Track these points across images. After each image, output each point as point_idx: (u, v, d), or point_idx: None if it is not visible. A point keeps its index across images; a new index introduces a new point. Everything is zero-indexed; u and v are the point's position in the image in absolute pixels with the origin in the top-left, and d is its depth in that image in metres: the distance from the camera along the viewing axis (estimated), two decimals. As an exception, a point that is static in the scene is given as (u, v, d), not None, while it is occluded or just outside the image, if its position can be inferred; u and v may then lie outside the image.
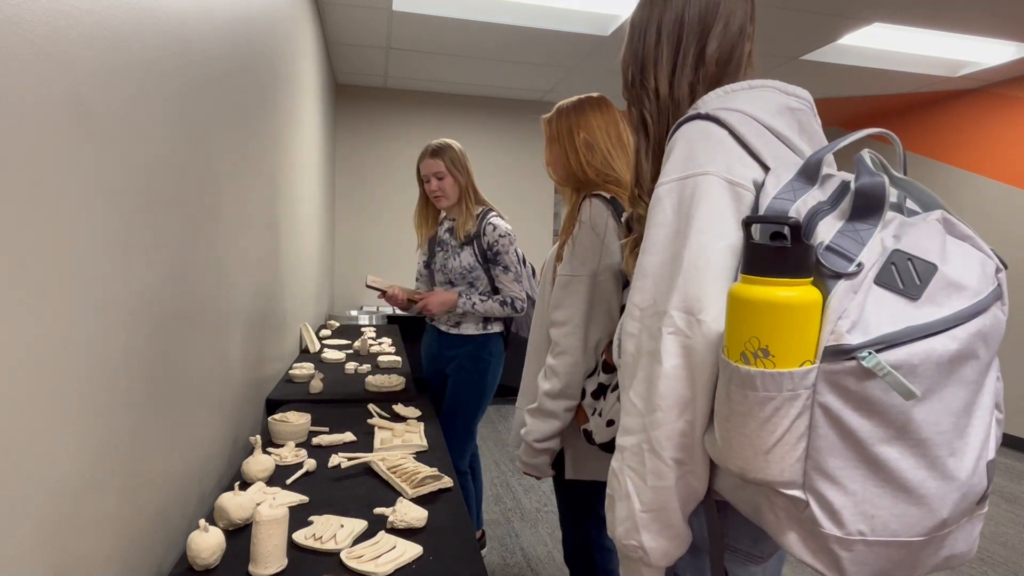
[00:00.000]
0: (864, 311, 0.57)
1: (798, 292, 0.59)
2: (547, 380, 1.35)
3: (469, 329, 2.27)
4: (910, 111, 5.11)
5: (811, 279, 0.60)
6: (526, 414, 1.41)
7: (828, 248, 0.60)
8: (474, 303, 2.21)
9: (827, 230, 0.62)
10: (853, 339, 0.56)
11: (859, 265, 0.59)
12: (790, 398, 0.58)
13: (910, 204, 0.68)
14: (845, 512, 0.58)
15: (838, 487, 0.58)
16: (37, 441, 0.66)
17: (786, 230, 0.60)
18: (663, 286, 0.72)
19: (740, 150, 0.73)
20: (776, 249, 0.60)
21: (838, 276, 0.59)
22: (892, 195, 0.68)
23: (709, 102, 0.81)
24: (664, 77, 0.87)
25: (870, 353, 0.55)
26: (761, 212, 0.67)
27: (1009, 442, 4.23)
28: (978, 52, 3.78)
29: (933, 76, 4.22)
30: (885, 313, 0.57)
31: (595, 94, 1.50)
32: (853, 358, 0.56)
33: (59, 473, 0.70)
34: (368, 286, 2.28)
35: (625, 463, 0.74)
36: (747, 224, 0.63)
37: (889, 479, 0.57)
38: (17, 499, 0.62)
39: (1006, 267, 0.62)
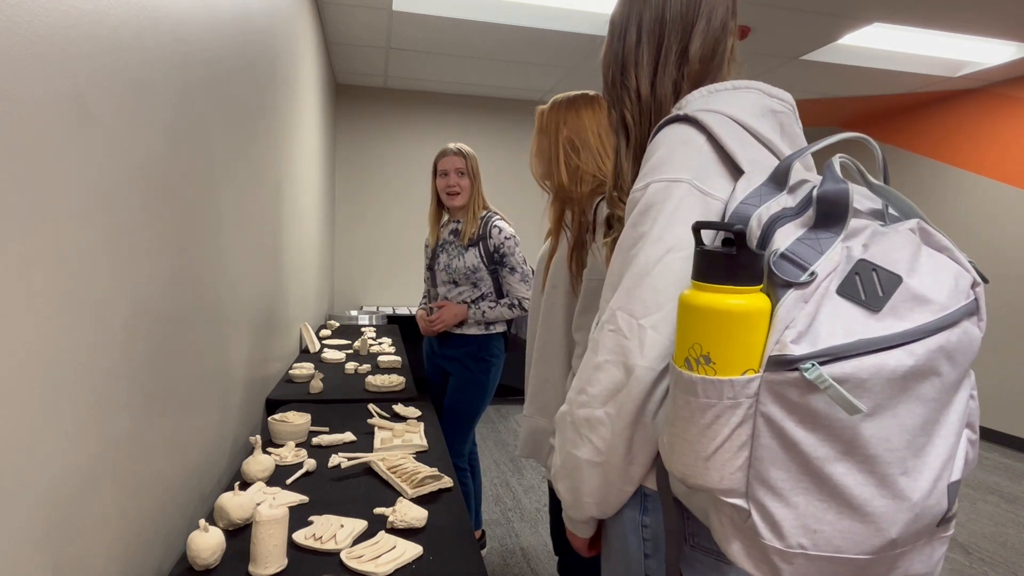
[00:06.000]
0: (816, 322, 0.55)
1: (742, 300, 0.57)
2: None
3: (472, 329, 2.29)
4: (910, 111, 5.11)
5: (760, 287, 0.59)
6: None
7: (782, 256, 0.59)
8: (483, 312, 2.25)
9: (785, 237, 0.60)
10: (798, 350, 0.54)
11: (812, 274, 0.57)
12: (731, 406, 0.57)
13: (892, 212, 0.67)
14: (786, 524, 0.57)
15: (780, 499, 0.57)
16: (37, 441, 0.66)
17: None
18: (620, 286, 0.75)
19: (715, 156, 0.74)
20: (722, 256, 0.58)
21: (789, 285, 0.57)
22: (876, 202, 0.67)
23: (692, 102, 0.80)
24: (646, 77, 0.86)
25: (812, 365, 0.53)
26: (727, 217, 0.66)
27: (1009, 442, 4.23)
28: (978, 52, 3.78)
29: (933, 76, 4.22)
30: (839, 324, 0.55)
31: (591, 92, 1.41)
32: (796, 369, 0.54)
33: (59, 473, 0.70)
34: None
35: (560, 421, 0.82)
36: (696, 230, 0.62)
37: (834, 494, 0.55)
38: (17, 499, 0.62)
39: (986, 281, 0.60)
